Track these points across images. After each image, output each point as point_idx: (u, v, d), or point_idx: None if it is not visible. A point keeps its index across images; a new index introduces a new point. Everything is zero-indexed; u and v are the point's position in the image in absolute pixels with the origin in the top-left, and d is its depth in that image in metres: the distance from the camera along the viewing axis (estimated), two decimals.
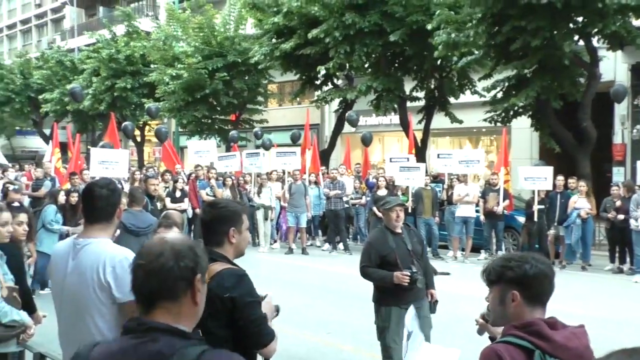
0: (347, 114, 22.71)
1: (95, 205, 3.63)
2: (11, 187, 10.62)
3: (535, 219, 15.11)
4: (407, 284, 5.93)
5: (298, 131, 23.22)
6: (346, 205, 17.59)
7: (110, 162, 14.89)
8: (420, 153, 21.11)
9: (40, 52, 41.09)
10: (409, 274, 5.96)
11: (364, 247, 6.55)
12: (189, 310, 2.12)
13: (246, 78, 27.42)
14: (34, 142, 44.30)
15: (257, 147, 25.27)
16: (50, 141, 21.82)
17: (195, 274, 2.11)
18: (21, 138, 45.85)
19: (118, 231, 7.40)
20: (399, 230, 6.28)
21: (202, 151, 19.72)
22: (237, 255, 3.56)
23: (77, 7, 46.92)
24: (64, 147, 23.23)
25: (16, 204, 6.61)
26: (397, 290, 6.02)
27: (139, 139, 33.50)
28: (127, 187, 16.32)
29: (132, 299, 3.35)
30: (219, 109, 27.84)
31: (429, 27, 17.64)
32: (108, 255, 3.44)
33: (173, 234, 2.28)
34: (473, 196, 16.00)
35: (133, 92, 30.77)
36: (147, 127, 33.67)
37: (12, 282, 4.98)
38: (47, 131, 36.53)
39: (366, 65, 21.92)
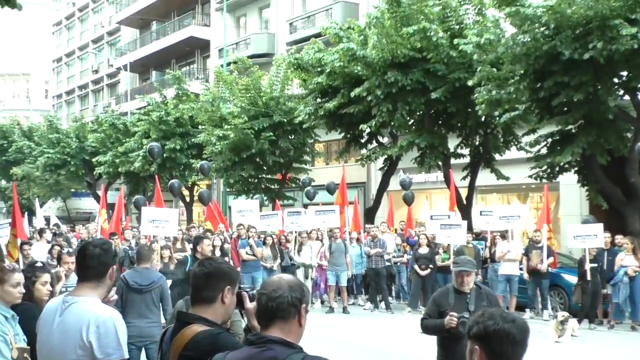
0: (400, 179, 22.73)
1: (86, 264, 3.68)
2: (65, 250, 10.74)
3: (589, 277, 14.63)
4: (454, 325, 5.70)
5: (333, 183, 23.30)
6: (387, 264, 17.40)
7: (160, 221, 15.06)
8: (465, 210, 20.85)
9: (96, 116, 42.39)
10: (457, 315, 5.76)
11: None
12: (296, 330, 2.91)
13: (292, 137, 27.72)
14: (87, 204, 45.42)
15: (305, 205, 25.42)
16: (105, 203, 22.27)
17: (301, 303, 2.89)
18: (76, 200, 47.05)
19: (114, 292, 7.42)
20: (465, 290, 6.12)
21: (244, 210, 19.78)
22: (225, 318, 3.42)
23: (132, 72, 48.40)
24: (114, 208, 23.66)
25: (39, 264, 6.65)
26: (454, 352, 5.78)
27: (188, 199, 33.97)
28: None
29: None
30: (265, 168, 28.11)
31: (470, 83, 17.61)
32: (93, 315, 3.47)
33: (287, 275, 3.05)
34: (516, 254, 15.67)
35: (182, 153, 31.39)
36: (195, 187, 34.13)
37: (24, 342, 4.99)
38: (101, 193, 37.43)
39: (410, 123, 21.91)
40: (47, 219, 30.64)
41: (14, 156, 45.04)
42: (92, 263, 3.67)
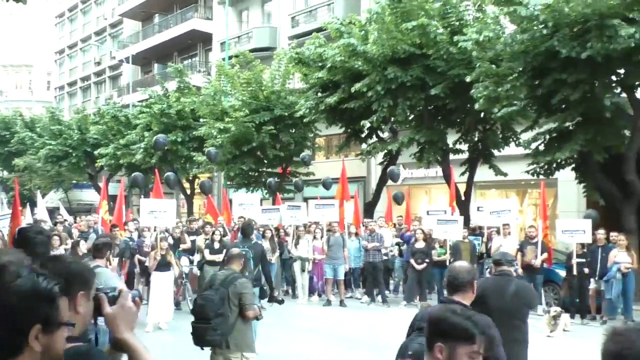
0: (389, 169, 22.92)
1: (36, 251, 3.89)
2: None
3: (575, 272, 14.86)
4: None
5: (330, 178, 23.49)
6: (385, 258, 17.60)
7: (159, 212, 15.23)
8: (463, 206, 20.98)
9: (97, 108, 42.54)
10: None
11: None
12: (470, 297, 4.70)
13: (293, 131, 27.85)
14: (89, 195, 45.59)
15: (305, 199, 25.57)
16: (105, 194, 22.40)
17: (474, 279, 4.86)
18: (77, 191, 47.20)
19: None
20: None
21: (245, 204, 20.00)
22: (82, 329, 2.74)
23: (134, 64, 48.51)
24: (115, 200, 23.81)
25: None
26: None
27: (188, 191, 34.13)
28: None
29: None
30: (266, 162, 28.25)
31: (468, 79, 17.70)
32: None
33: (463, 262, 4.88)
34: (510, 249, 15.77)
35: (183, 146, 31.49)
36: (196, 180, 34.28)
37: None
38: (102, 184, 37.57)
39: (410, 118, 22.00)
40: (52, 210, 30.81)
41: (16, 147, 45.20)
42: (42, 250, 4.00)
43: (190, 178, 33.63)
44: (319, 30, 25.74)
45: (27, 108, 56.40)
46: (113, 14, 54.45)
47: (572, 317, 14.41)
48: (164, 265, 13.97)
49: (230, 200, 30.46)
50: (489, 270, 16.34)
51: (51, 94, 65.86)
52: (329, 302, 17.05)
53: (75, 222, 23.88)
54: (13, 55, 66.95)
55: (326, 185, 23.46)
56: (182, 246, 16.59)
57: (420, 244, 16.71)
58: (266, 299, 11.03)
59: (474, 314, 3.10)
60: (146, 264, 14.89)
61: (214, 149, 25.71)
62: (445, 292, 4.99)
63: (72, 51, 62.71)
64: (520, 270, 15.74)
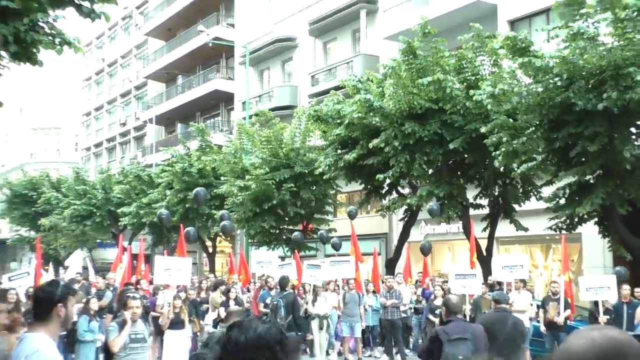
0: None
1: (34, 305, 4.34)
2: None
3: None
4: None
5: (339, 239, 23.30)
6: (403, 315, 17.28)
7: (173, 270, 15.19)
8: (485, 262, 20.63)
9: (122, 168, 43.09)
10: None
11: None
12: None
13: (313, 188, 27.76)
14: (112, 254, 45.60)
15: (327, 256, 25.46)
16: (123, 253, 22.46)
17: None
18: (101, 250, 47.52)
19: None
20: None
21: (264, 262, 19.85)
22: None
23: (158, 125, 49.19)
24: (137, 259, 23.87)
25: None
26: None
27: (210, 249, 34.08)
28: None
29: None
30: (286, 219, 28.11)
31: (483, 129, 17.50)
32: (27, 348, 3.98)
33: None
34: (524, 305, 15.36)
35: (205, 204, 31.52)
36: (218, 238, 34.24)
37: None
38: (125, 243, 37.69)
39: (429, 173, 21.81)
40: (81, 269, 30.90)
41: (43, 207, 45.69)
42: (35, 305, 4.29)
43: (212, 236, 33.59)
44: (337, 88, 25.90)
45: (54, 169, 57.16)
46: (138, 76, 55.53)
47: None
48: (177, 324, 13.85)
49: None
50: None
51: (78, 155, 66.87)
52: None
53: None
54: (42, 117, 68.32)
55: (335, 246, 23.21)
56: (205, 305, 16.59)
57: (439, 301, 16.39)
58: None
59: None
60: (160, 322, 14.75)
61: (229, 222, 25.49)
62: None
63: (98, 113, 63.88)
64: (542, 328, 15.34)
